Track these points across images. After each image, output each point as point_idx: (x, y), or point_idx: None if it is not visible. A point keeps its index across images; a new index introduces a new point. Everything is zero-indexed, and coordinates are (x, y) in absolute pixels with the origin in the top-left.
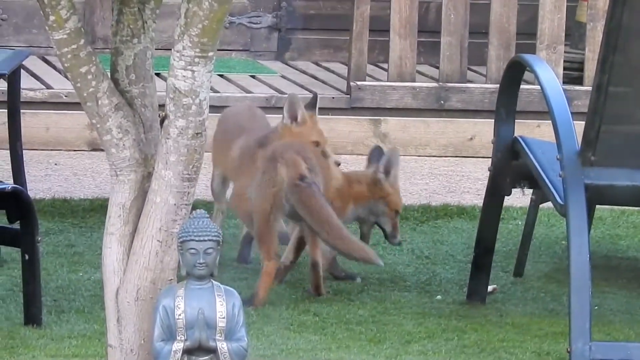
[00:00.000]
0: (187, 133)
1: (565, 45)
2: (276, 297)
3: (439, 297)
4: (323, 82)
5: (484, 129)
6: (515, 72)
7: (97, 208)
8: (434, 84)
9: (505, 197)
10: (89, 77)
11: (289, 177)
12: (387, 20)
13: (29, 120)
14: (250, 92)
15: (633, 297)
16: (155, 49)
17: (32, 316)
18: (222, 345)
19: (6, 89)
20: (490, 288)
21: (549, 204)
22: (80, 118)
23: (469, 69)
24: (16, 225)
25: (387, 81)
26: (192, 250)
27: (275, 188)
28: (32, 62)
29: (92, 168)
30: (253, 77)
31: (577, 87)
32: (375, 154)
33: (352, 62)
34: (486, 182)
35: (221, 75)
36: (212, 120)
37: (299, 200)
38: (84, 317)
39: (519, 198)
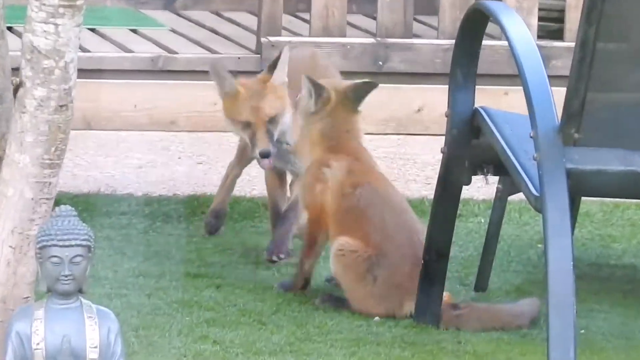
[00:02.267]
0: (49, 105)
1: None
2: (166, 320)
3: (377, 318)
4: (226, 37)
5: (435, 99)
6: (475, 24)
7: None
8: (371, 40)
9: (464, 187)
10: None
11: None
12: None
13: None
14: (130, 51)
15: (630, 316)
16: None
17: None
18: None
19: None
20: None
21: (521, 196)
22: None
23: (415, 20)
24: None
25: (310, 36)
26: (55, 259)
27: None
28: None
29: None
30: (134, 31)
31: (556, 43)
32: None
33: (264, 13)
34: (438, 167)
35: (92, 30)
36: (82, 88)
37: None
38: None
39: (481, 188)
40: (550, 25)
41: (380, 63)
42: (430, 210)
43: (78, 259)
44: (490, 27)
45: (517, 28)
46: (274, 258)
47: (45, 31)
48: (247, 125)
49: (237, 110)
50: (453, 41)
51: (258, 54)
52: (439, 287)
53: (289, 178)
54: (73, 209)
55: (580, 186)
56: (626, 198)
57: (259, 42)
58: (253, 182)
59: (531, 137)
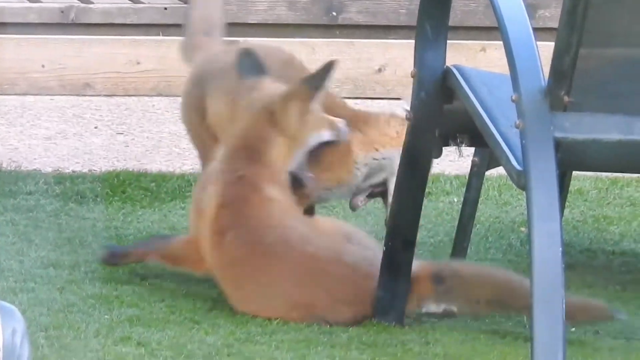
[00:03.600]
0: None
1: None
2: (81, 318)
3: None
4: None
5: (399, 56)
6: None
7: None
8: None
9: (434, 160)
10: None
11: None
12: None
13: None
14: (37, 0)
15: (630, 312)
16: None
17: None
18: None
19: None
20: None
21: (500, 171)
22: None
23: None
24: None
25: None
26: None
27: None
28: None
29: None
30: None
31: None
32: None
33: None
34: (403, 136)
35: None
36: None
37: None
38: None
39: (454, 162)
40: None
41: (334, 14)
42: (393, 188)
43: None
44: None
45: None
46: None
47: None
48: None
49: None
50: None
51: (187, 3)
52: (404, 280)
53: None
54: None
55: (571, 159)
56: (626, 172)
57: None
58: (184, 156)
59: (513, 100)
